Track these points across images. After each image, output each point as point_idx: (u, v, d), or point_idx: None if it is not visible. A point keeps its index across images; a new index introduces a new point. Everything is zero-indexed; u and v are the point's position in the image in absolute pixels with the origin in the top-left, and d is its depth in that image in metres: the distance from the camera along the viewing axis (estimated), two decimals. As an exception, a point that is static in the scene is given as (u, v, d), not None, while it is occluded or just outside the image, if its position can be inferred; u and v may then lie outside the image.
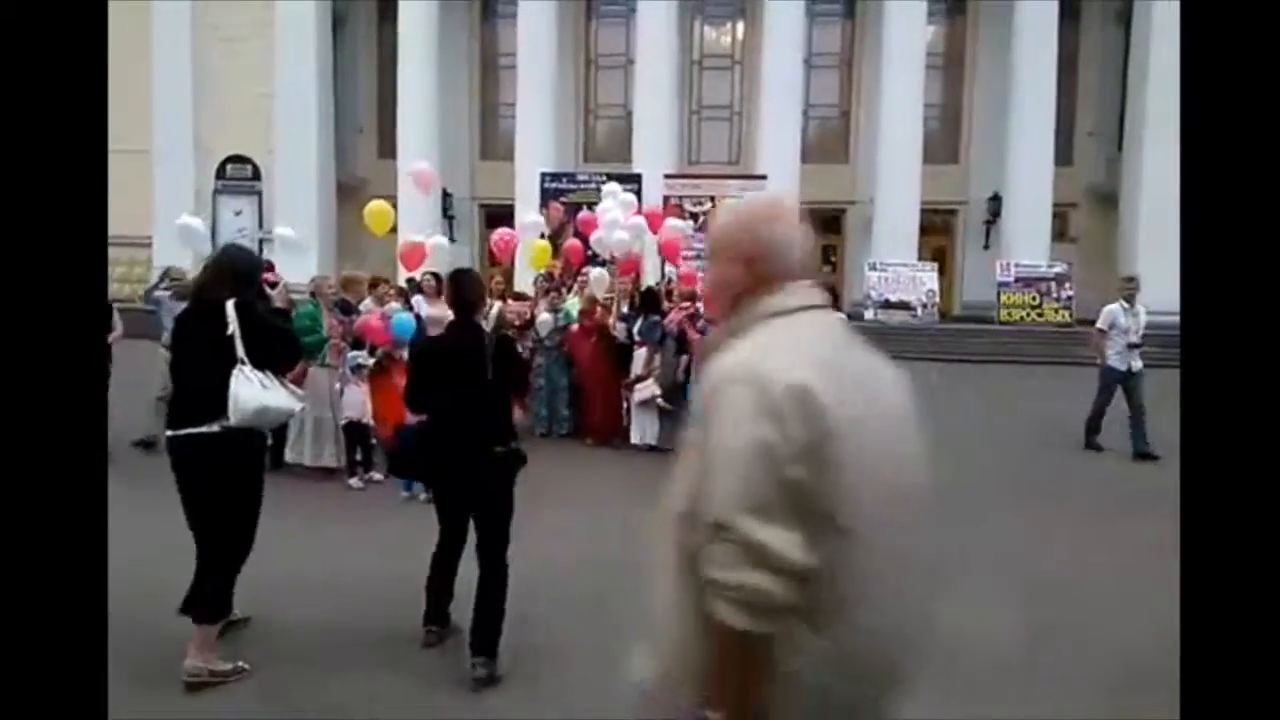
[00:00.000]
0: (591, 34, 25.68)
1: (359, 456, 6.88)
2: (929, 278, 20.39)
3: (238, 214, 22.83)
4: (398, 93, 22.43)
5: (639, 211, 10.27)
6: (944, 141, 24.22)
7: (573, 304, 8.84)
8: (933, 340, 18.56)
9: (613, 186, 10.26)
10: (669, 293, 9.12)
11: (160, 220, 20.20)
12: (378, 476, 6.81)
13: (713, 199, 20.71)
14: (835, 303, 7.37)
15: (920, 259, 21.31)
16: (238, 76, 22.35)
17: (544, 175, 21.19)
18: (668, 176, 21.13)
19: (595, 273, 9.02)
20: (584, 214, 10.02)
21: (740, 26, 25.22)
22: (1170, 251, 19.08)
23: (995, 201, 22.37)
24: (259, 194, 22.64)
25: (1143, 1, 20.82)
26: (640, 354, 8.23)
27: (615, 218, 9.10)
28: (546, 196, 19.90)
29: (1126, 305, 8.64)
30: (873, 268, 20.59)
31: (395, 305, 7.29)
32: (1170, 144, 19.86)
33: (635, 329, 8.29)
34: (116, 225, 5.01)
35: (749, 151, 23.61)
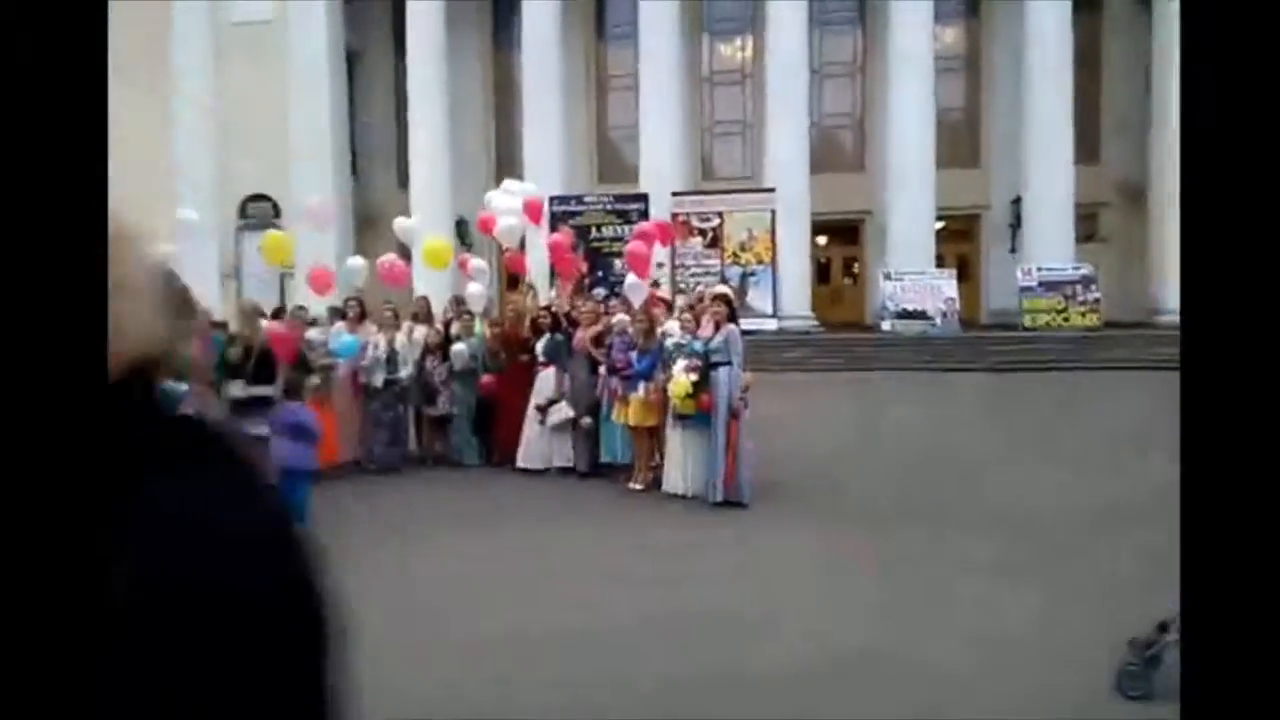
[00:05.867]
0: (602, 55, 25.73)
1: None
2: (947, 285, 19.76)
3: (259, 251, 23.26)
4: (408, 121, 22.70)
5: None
6: (964, 145, 23.58)
7: (480, 333, 8.42)
8: (949, 349, 17.97)
9: (509, 184, 10.13)
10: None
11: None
12: None
13: (720, 214, 20.49)
14: (732, 314, 6.89)
15: (943, 266, 20.72)
16: (253, 114, 22.77)
17: (552, 199, 21.19)
18: (675, 194, 20.97)
19: (630, 281, 8.69)
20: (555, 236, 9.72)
21: (750, 40, 25.01)
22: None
23: (1017, 204, 21.64)
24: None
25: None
26: (548, 375, 7.83)
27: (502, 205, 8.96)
28: (555, 220, 19.84)
29: None
30: (888, 277, 20.05)
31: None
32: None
33: (539, 348, 7.88)
34: None
35: (761, 165, 23.33)
